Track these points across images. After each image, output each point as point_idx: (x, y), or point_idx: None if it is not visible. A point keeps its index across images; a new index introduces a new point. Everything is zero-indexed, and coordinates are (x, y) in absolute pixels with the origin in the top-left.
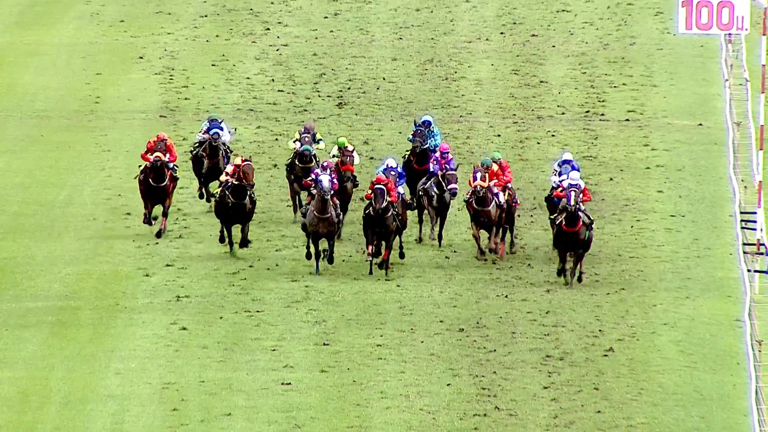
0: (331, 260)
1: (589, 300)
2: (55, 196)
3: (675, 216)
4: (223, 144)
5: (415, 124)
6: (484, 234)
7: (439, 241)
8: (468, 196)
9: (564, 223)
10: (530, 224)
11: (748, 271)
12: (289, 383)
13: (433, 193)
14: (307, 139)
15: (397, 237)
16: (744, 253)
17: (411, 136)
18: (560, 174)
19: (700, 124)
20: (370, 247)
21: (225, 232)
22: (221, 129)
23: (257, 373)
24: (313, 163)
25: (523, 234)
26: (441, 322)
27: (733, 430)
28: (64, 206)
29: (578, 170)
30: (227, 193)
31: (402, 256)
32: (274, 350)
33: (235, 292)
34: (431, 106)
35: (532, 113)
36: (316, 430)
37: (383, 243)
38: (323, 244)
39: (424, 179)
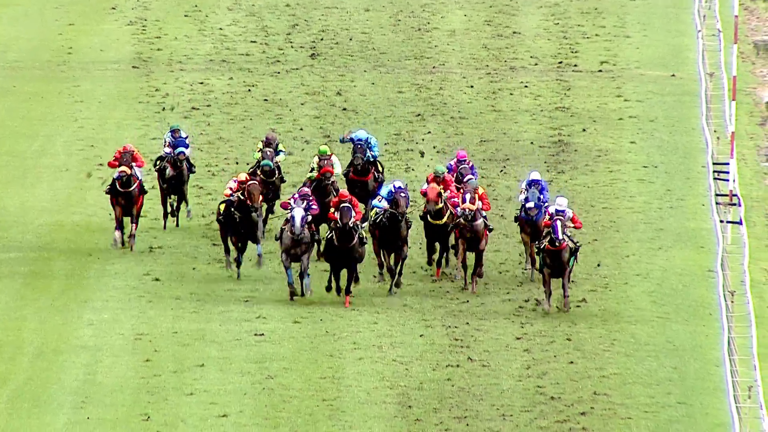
0: (303, 276)
1: None
2: (28, 146)
3: (648, 167)
4: (187, 159)
5: (352, 140)
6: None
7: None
8: (454, 219)
9: (547, 244)
10: (502, 175)
11: (721, 221)
12: (262, 334)
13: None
14: (269, 153)
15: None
16: (717, 203)
17: (342, 137)
18: (527, 200)
19: (673, 75)
20: (335, 284)
21: (231, 248)
22: (186, 146)
23: (230, 324)
24: (275, 177)
25: (496, 185)
26: (414, 273)
27: (706, 381)
28: (37, 157)
29: (546, 189)
30: (232, 210)
31: (398, 283)
32: (246, 301)
33: (208, 243)
34: (404, 57)
35: (504, 64)
36: (289, 380)
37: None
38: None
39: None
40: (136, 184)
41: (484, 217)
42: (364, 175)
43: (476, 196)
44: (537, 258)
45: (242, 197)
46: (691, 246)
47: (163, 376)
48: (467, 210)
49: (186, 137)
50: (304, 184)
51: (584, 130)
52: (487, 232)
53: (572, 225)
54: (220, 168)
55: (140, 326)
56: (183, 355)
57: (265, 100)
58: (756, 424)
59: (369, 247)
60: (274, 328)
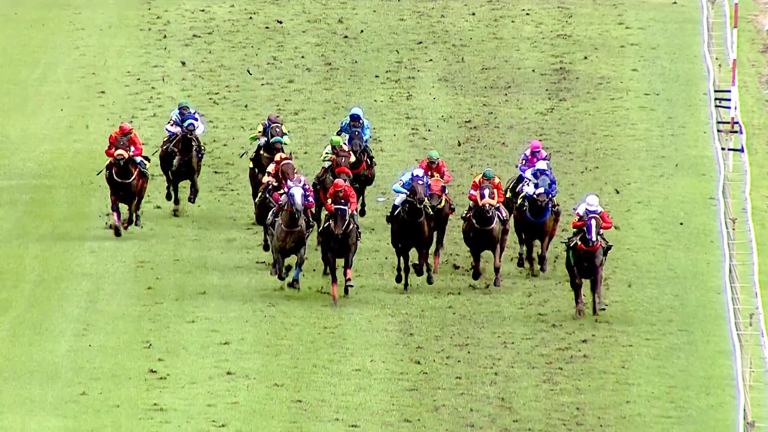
0: (298, 268)
1: (562, 179)
2: (29, 74)
3: (649, 94)
4: (196, 139)
5: (342, 124)
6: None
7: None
8: (467, 213)
9: (580, 242)
10: (504, 103)
11: (723, 149)
12: (264, 262)
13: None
14: (278, 129)
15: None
16: (718, 131)
17: (336, 139)
18: (537, 186)
19: (675, 2)
20: (335, 288)
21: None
22: (196, 119)
23: (232, 251)
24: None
25: (497, 112)
26: None
27: (707, 308)
28: (38, 84)
29: (555, 181)
30: (268, 196)
31: (430, 281)
32: (248, 229)
33: (210, 171)
34: None
35: None
36: (290, 308)
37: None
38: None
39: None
40: (135, 173)
41: (498, 210)
42: (356, 166)
43: (495, 191)
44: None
45: (276, 184)
46: (693, 173)
47: (164, 304)
48: (487, 205)
49: (194, 113)
50: (318, 176)
51: (586, 57)
52: (502, 226)
53: (603, 223)
54: (222, 96)
55: (142, 254)
56: (184, 283)
57: (267, 27)
58: (757, 351)
59: (368, 245)
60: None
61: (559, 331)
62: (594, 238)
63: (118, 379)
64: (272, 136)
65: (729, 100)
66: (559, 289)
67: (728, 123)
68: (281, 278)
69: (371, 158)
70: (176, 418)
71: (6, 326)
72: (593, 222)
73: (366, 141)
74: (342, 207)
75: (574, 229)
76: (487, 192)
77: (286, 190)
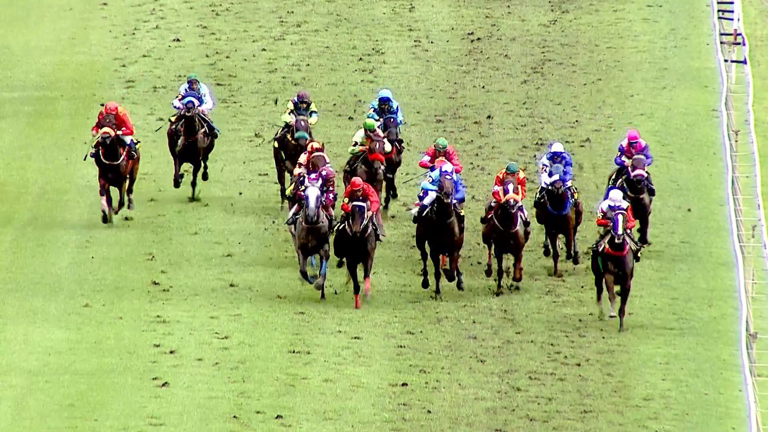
0: (324, 262)
1: (566, 91)
2: None
3: (652, 6)
4: (203, 116)
5: (373, 108)
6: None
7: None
8: (487, 214)
9: (608, 246)
10: (507, 15)
11: (725, 61)
12: (266, 174)
13: (629, 195)
14: (303, 123)
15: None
16: (721, 43)
17: (372, 114)
18: (551, 174)
19: None
20: (358, 298)
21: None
22: (198, 98)
23: (235, 164)
24: (308, 141)
25: (500, 24)
26: (418, 113)
27: (710, 220)
28: None
29: (570, 163)
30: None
31: (460, 285)
32: (250, 141)
33: (213, 83)
34: None
35: None
36: None
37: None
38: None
39: (615, 179)
40: (123, 155)
41: (521, 210)
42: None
43: (519, 186)
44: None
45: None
46: (696, 85)
47: (167, 216)
48: (511, 200)
49: (202, 94)
50: (348, 162)
51: None
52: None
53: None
54: (224, 8)
55: (144, 166)
56: (187, 195)
57: None
58: (759, 263)
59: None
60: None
61: (561, 243)
62: (620, 232)
63: (121, 291)
64: (297, 130)
65: (732, 11)
66: None
67: (731, 35)
68: (305, 278)
69: (400, 142)
70: (179, 329)
71: (8, 239)
72: (620, 217)
73: (399, 124)
74: (360, 204)
75: (600, 231)
76: (510, 187)
77: (306, 184)
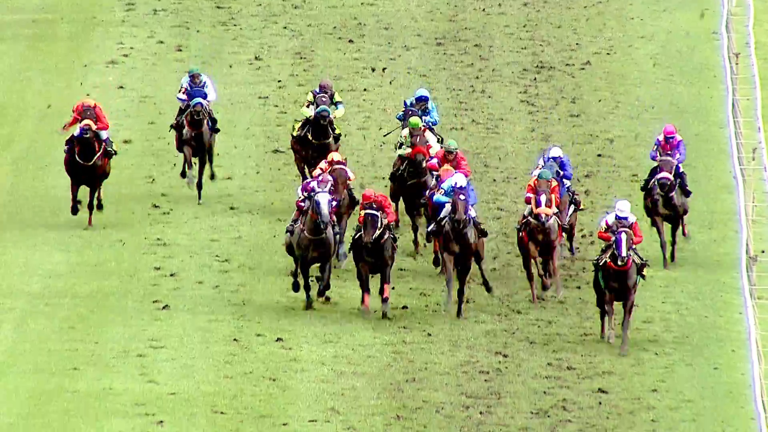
0: (326, 288)
1: (566, 13)
2: None
3: None
4: (209, 112)
5: (405, 104)
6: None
7: (672, 253)
8: (520, 224)
9: (610, 260)
10: None
11: None
12: (267, 97)
13: (657, 196)
14: (324, 99)
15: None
16: None
17: (399, 113)
18: (541, 160)
19: None
20: (367, 298)
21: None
22: (204, 96)
23: (234, 86)
24: (330, 134)
25: None
26: (418, 36)
27: (710, 143)
28: None
29: (569, 164)
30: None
31: (489, 289)
32: (251, 64)
33: (214, 6)
34: None
35: None
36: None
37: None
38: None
39: (648, 178)
40: (99, 152)
41: (557, 214)
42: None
43: (553, 196)
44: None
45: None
46: (696, 8)
47: (167, 139)
48: (543, 215)
49: (204, 84)
50: (394, 163)
51: None
52: (561, 231)
53: (633, 237)
54: None
55: (145, 89)
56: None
57: None
58: (760, 186)
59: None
60: (280, 94)
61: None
62: (624, 254)
63: (122, 214)
64: (318, 106)
65: None
66: (561, 124)
67: None
68: (296, 290)
69: (441, 140)
70: (180, 252)
71: (9, 161)
72: (623, 237)
73: (435, 123)
74: (373, 212)
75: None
76: (543, 199)
77: (309, 192)
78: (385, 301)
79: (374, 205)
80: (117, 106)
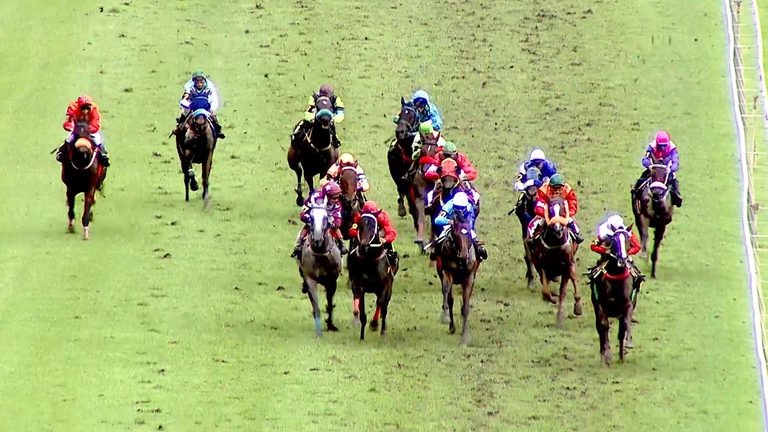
0: (329, 321)
1: None
2: None
3: None
4: (212, 119)
5: (403, 103)
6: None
7: (653, 264)
8: (533, 235)
9: (607, 271)
10: None
11: None
12: (268, 45)
13: (647, 196)
14: (325, 102)
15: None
16: None
17: (397, 116)
18: (525, 179)
19: None
20: (357, 302)
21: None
22: (207, 105)
23: (235, 36)
24: (329, 141)
25: None
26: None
27: (711, 91)
28: None
29: (554, 171)
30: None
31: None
32: (252, 12)
33: None
34: None
35: None
36: (295, 90)
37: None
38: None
39: (640, 179)
40: (94, 156)
41: (572, 228)
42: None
43: (566, 204)
44: (589, 289)
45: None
46: None
47: (168, 88)
48: (557, 225)
49: (208, 92)
50: (408, 169)
51: None
52: (576, 245)
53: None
54: None
55: (146, 37)
56: (188, 67)
57: None
58: (761, 134)
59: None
60: (282, 43)
61: (563, 114)
62: (624, 255)
63: (123, 162)
64: (318, 110)
65: None
66: (563, 73)
67: None
68: (317, 316)
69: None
70: (180, 201)
71: (10, 110)
72: (622, 238)
73: (438, 128)
74: (369, 216)
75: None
76: (557, 208)
77: (311, 204)
78: (374, 324)
79: (372, 212)
80: (118, 55)
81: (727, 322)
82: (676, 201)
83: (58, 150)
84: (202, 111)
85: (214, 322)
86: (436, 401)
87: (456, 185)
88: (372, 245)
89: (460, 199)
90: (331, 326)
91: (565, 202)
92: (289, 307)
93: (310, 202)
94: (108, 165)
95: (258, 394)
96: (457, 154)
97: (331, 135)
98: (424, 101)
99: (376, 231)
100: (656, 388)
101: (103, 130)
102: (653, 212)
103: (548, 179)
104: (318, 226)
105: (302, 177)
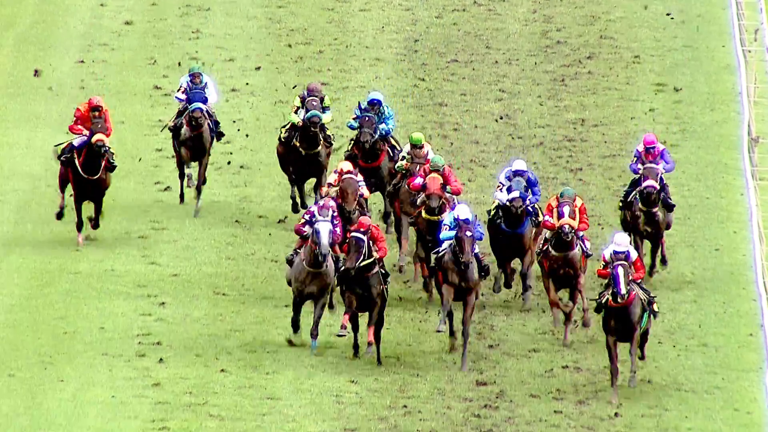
0: (314, 332)
1: None
2: None
3: None
4: (210, 116)
5: (360, 109)
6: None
7: (651, 271)
8: (541, 247)
9: (611, 299)
10: None
11: None
12: None
13: (638, 212)
14: (314, 103)
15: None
16: None
17: (351, 122)
18: (510, 190)
19: None
20: (347, 316)
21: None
22: (204, 99)
23: None
24: (319, 143)
25: None
26: None
27: (712, 24)
28: None
29: (537, 183)
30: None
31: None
32: None
33: None
34: None
35: None
36: (296, 23)
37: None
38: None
39: (629, 190)
40: (103, 163)
41: (581, 239)
42: (373, 160)
43: (577, 209)
44: (585, 313)
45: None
46: None
47: (169, 20)
48: (566, 227)
49: (205, 85)
50: (392, 182)
51: None
52: (585, 259)
53: (633, 272)
54: None
55: None
56: (189, 0)
57: None
58: (762, 67)
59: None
60: None
61: (563, 47)
62: (623, 291)
63: (123, 95)
64: (307, 111)
65: None
66: (564, 6)
67: None
68: (296, 330)
69: (393, 149)
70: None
71: (10, 42)
72: (620, 271)
73: (389, 132)
74: (359, 236)
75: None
76: (566, 210)
77: (309, 216)
78: (369, 345)
79: (362, 230)
80: None
81: (728, 255)
82: (669, 207)
83: (62, 151)
84: (199, 105)
85: (215, 255)
86: (437, 333)
87: (441, 203)
88: (360, 264)
89: (462, 211)
90: (313, 332)
91: (576, 209)
92: (290, 240)
93: (310, 215)
94: (113, 169)
95: (258, 327)
96: (444, 168)
97: (321, 136)
98: (379, 103)
99: (364, 252)
100: (656, 321)
101: (103, 63)
102: (645, 227)
103: (560, 192)
104: (324, 239)
105: (295, 184)
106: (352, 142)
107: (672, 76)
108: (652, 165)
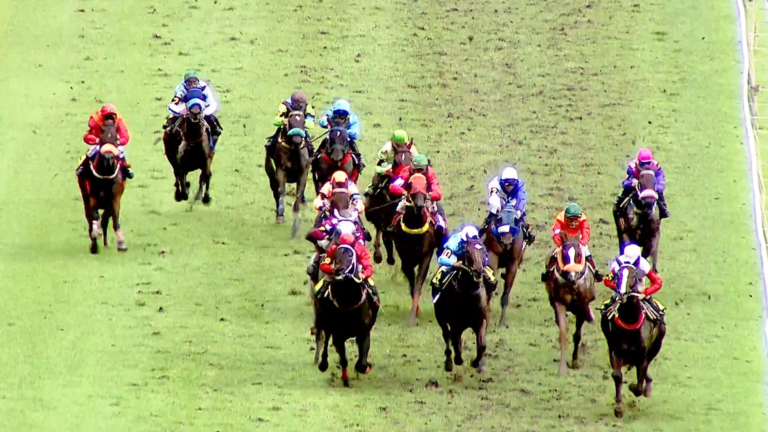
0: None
1: None
2: None
3: None
4: (208, 119)
5: (330, 123)
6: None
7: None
8: (548, 266)
9: (617, 315)
10: None
11: None
12: None
13: (632, 214)
14: (298, 118)
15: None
16: None
17: (323, 120)
18: (500, 222)
19: None
20: (346, 372)
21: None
22: (203, 98)
23: None
24: (305, 160)
25: None
26: None
27: None
28: None
29: (523, 189)
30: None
31: (476, 364)
32: None
33: None
34: None
35: None
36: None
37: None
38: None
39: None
40: (118, 167)
41: (590, 261)
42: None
43: (581, 244)
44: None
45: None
46: None
47: None
48: (571, 274)
49: (203, 88)
50: (373, 184)
51: None
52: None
53: (651, 284)
54: None
55: None
56: None
57: None
58: (761, 16)
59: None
60: None
61: None
62: (623, 290)
63: (123, 44)
64: (291, 127)
65: None
66: None
67: None
68: (322, 369)
69: (358, 156)
70: (179, 82)
71: None
72: (625, 272)
73: (354, 137)
74: (346, 246)
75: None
76: (572, 253)
77: (330, 224)
78: (362, 368)
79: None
80: None
81: (727, 204)
82: (663, 213)
83: (79, 165)
84: (197, 101)
85: (214, 204)
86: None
87: (425, 202)
88: (351, 276)
89: (470, 231)
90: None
91: (580, 243)
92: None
93: (330, 217)
94: (131, 176)
95: (258, 276)
96: (427, 168)
97: (307, 150)
98: (345, 113)
99: (354, 262)
100: (657, 270)
101: (102, 11)
102: (638, 224)
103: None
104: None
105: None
106: (321, 145)
107: (672, 25)
108: (649, 172)
